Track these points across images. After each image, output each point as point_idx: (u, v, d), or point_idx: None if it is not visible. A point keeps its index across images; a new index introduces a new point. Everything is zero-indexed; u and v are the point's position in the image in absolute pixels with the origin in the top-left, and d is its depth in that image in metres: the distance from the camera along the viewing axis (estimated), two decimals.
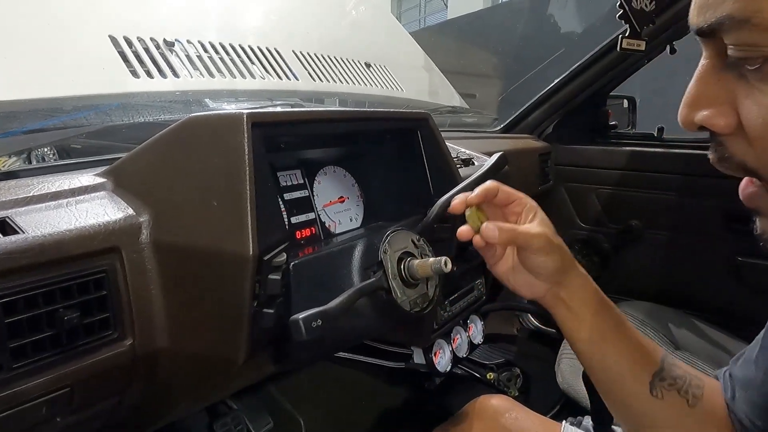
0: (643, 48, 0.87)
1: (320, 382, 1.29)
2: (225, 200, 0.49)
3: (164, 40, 0.92)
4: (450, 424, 0.85)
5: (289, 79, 1.10)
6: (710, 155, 0.37)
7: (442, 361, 0.99)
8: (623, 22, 0.80)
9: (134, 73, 0.83)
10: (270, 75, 1.07)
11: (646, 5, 0.75)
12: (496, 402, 0.82)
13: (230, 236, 0.48)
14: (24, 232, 0.45)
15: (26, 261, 0.44)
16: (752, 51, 0.30)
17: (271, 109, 0.57)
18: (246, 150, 0.49)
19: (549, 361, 1.32)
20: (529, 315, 1.78)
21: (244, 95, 0.99)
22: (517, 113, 1.58)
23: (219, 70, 0.97)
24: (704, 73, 0.34)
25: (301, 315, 0.45)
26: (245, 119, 0.49)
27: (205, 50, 0.99)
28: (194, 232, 0.50)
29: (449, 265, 0.58)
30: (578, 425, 0.80)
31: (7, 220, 0.46)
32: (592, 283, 0.56)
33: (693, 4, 0.33)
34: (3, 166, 0.59)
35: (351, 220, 0.82)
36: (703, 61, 0.34)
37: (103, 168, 0.59)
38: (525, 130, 1.59)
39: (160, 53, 0.90)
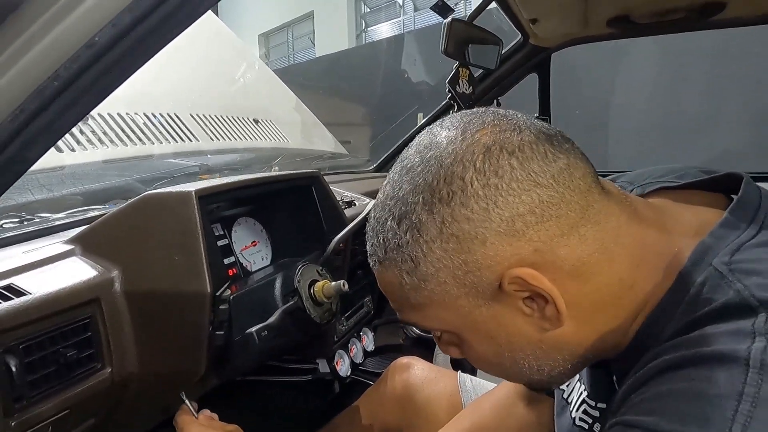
0: None
1: (233, 406, 1.43)
2: (183, 254, 0.67)
3: None
4: (373, 386, 1.07)
5: (191, 141, 1.27)
6: None
7: (343, 367, 1.21)
8: (452, 101, 1.11)
9: (58, 149, 0.96)
10: (174, 138, 1.23)
11: (465, 90, 1.06)
12: (406, 361, 1.04)
13: (189, 280, 0.67)
14: (30, 293, 0.59)
15: (36, 315, 0.59)
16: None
17: (203, 183, 0.76)
18: (197, 217, 0.68)
19: (429, 359, 1.60)
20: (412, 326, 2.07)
21: (157, 159, 1.14)
22: (387, 153, 1.88)
23: (130, 139, 1.12)
24: (432, 335, 0.55)
25: (254, 328, 0.65)
26: (194, 195, 0.69)
27: (115, 121, 1.13)
28: (158, 280, 0.68)
29: (347, 286, 0.81)
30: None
31: (13, 285, 0.60)
32: None
33: None
34: None
35: (262, 259, 1.02)
36: None
37: (62, 235, 0.73)
38: None
39: (77, 128, 1.03)
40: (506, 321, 0.44)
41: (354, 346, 1.28)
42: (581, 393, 0.61)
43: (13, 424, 0.55)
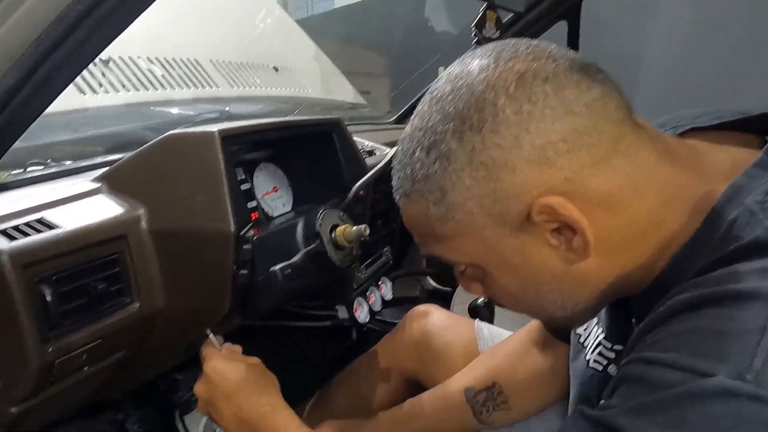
0: None
1: (253, 351, 1.48)
2: (206, 194, 0.68)
3: (100, 59, 1.05)
4: (391, 333, 1.10)
5: (212, 87, 1.26)
6: None
7: (362, 314, 1.24)
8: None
9: (81, 90, 0.96)
10: (194, 84, 1.22)
11: (492, 34, 1.03)
12: (424, 308, 1.06)
13: (213, 220, 0.68)
14: (60, 227, 0.61)
15: (67, 248, 0.60)
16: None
17: (225, 124, 0.76)
18: (220, 157, 0.68)
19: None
20: (428, 278, 2.09)
21: (178, 104, 1.14)
22: (407, 105, 1.85)
23: (151, 84, 1.11)
24: (455, 271, 0.53)
25: (277, 267, 0.66)
26: (217, 135, 0.69)
27: (137, 66, 1.12)
28: (182, 219, 0.69)
29: (368, 231, 0.81)
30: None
31: (43, 219, 0.61)
32: None
33: None
34: (1, 179, 0.72)
35: (283, 205, 1.03)
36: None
37: (88, 174, 0.74)
38: None
39: (99, 70, 1.03)
40: (532, 253, 0.44)
41: (372, 295, 1.30)
42: (598, 335, 0.62)
43: (50, 350, 0.58)
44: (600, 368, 0.59)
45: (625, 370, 0.41)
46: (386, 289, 1.36)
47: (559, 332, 0.71)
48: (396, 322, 1.94)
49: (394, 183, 0.50)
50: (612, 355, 0.58)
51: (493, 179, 0.41)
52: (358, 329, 1.33)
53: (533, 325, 0.85)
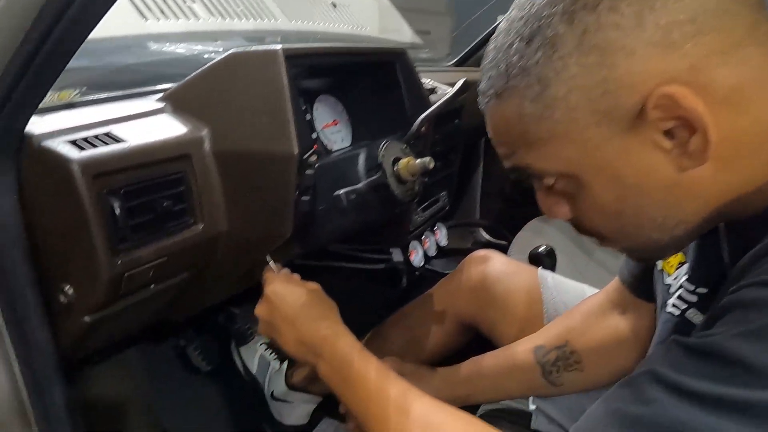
0: None
1: None
2: (270, 114, 0.66)
3: None
4: (447, 277, 1.07)
5: (271, 20, 1.22)
6: None
7: (416, 258, 1.21)
8: None
9: (143, 16, 0.95)
10: (254, 16, 1.19)
11: None
12: (484, 253, 1.03)
13: (277, 142, 0.65)
14: (127, 142, 0.60)
15: (133, 162, 0.60)
16: (541, 177, 0.45)
17: (288, 44, 0.72)
18: (284, 77, 0.65)
19: None
20: (481, 230, 2.04)
21: (237, 35, 1.12)
22: (468, 48, 1.76)
23: (211, 13, 1.09)
24: (536, 190, 0.49)
25: (341, 191, 0.64)
26: (281, 52, 0.65)
27: None
28: (246, 140, 0.67)
29: (432, 164, 0.77)
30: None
31: (111, 133, 0.61)
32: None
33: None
34: (69, 98, 0.72)
35: (342, 140, 0.99)
36: (534, 183, 0.49)
37: (152, 97, 0.73)
38: (476, 63, 1.77)
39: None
40: (639, 157, 0.39)
41: (428, 239, 1.27)
42: (680, 279, 0.56)
43: (119, 262, 0.58)
44: (677, 312, 0.54)
45: (733, 297, 0.37)
46: (441, 235, 1.33)
47: (645, 260, 0.64)
48: (447, 272, 1.91)
49: (482, 86, 0.45)
50: (693, 298, 0.52)
51: (606, 65, 0.36)
52: (412, 273, 1.31)
53: (612, 286, 0.80)
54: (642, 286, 0.71)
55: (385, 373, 0.58)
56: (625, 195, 0.41)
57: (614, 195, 0.41)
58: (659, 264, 0.62)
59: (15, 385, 0.57)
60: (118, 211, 0.57)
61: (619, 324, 0.77)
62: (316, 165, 0.71)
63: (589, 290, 0.95)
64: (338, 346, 0.61)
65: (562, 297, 0.94)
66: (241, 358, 1.29)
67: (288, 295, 0.65)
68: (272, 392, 1.22)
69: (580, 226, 0.48)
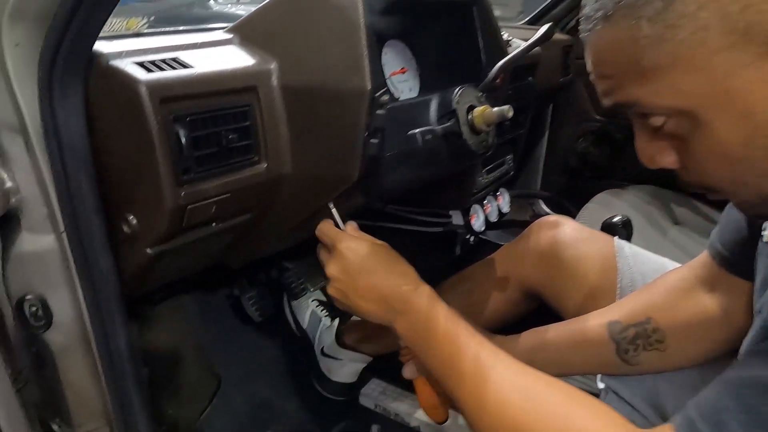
0: None
1: None
2: (342, 46, 0.61)
3: None
4: (512, 242, 1.00)
5: None
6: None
7: (477, 222, 1.15)
8: None
9: None
10: None
11: None
12: (554, 219, 0.95)
13: (349, 77, 0.61)
14: (195, 68, 0.57)
15: (200, 90, 0.57)
16: (648, 116, 0.39)
17: None
18: (360, 7, 0.60)
19: None
20: (541, 201, 1.95)
21: None
22: (542, 6, 1.64)
23: None
24: (638, 134, 0.42)
25: (416, 130, 0.59)
26: None
27: None
28: (315, 74, 0.63)
29: (511, 112, 0.71)
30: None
31: (178, 59, 0.58)
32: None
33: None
34: (136, 27, 0.70)
35: (410, 90, 0.94)
36: (635, 126, 0.42)
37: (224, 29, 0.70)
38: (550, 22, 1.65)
39: None
40: None
41: (489, 204, 1.20)
42: None
43: (182, 194, 0.56)
44: None
45: None
46: (504, 201, 1.26)
47: (759, 216, 0.57)
48: (501, 243, 1.83)
49: (586, 10, 0.39)
50: None
51: None
52: (468, 240, 1.26)
53: (699, 260, 0.72)
54: (738, 260, 0.63)
55: (473, 332, 0.54)
56: (753, 136, 0.34)
57: (741, 136, 0.35)
58: (766, 234, 0.55)
59: (79, 312, 0.57)
60: (183, 140, 0.55)
61: (708, 303, 0.69)
62: (387, 107, 0.66)
63: (670, 264, 0.87)
64: (419, 302, 0.57)
65: (640, 268, 0.86)
66: (292, 312, 1.29)
67: (362, 250, 0.62)
68: (322, 348, 1.21)
69: (688, 176, 0.41)
